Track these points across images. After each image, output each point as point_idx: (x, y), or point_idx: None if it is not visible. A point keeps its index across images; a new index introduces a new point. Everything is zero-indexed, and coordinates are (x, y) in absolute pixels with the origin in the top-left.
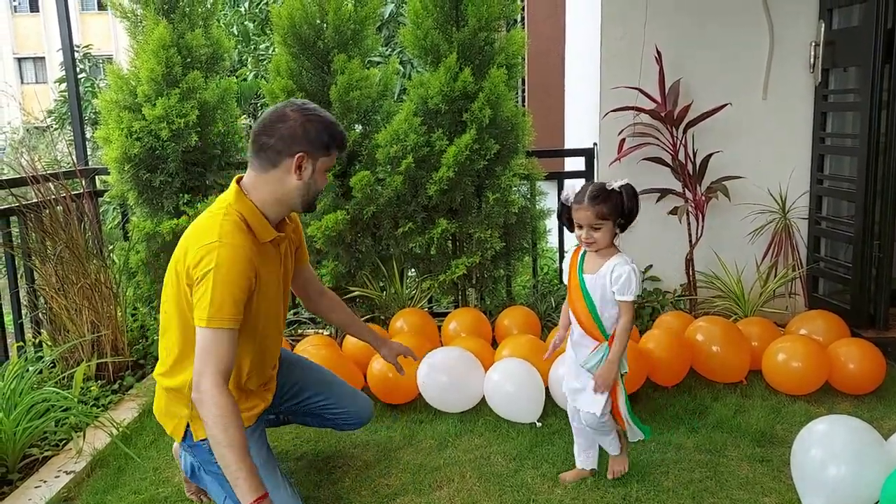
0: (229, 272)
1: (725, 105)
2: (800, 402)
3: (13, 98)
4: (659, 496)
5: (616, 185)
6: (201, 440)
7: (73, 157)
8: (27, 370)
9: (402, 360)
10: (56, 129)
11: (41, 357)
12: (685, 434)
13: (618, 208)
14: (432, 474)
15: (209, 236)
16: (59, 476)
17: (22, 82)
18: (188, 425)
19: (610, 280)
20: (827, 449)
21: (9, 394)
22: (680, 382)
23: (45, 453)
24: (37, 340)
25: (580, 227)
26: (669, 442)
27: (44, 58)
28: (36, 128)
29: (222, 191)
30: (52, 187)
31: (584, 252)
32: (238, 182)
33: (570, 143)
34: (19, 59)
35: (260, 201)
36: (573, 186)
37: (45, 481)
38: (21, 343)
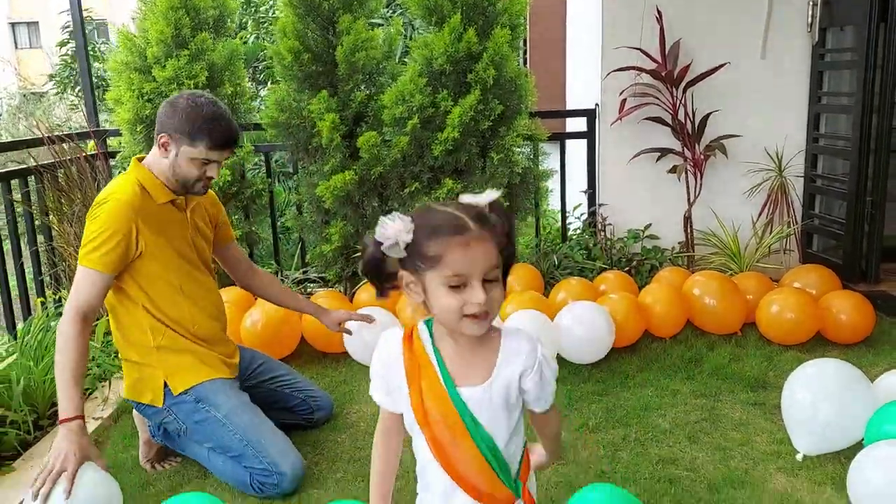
0: (106, 222)
1: (724, 64)
2: (792, 351)
3: (8, 63)
4: (657, 436)
5: (484, 198)
6: (182, 392)
7: (84, 119)
8: (51, 324)
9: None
10: (58, 94)
11: (61, 312)
12: (682, 381)
13: (506, 241)
14: None
15: (102, 194)
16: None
17: (16, 47)
18: (165, 384)
19: (519, 385)
20: (815, 390)
21: (36, 345)
22: (677, 334)
23: None
24: (57, 296)
25: (457, 286)
26: (667, 388)
27: (37, 22)
28: (33, 93)
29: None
30: (66, 148)
31: (432, 340)
32: (136, 159)
33: (571, 104)
34: (13, 24)
35: (156, 170)
36: (387, 219)
37: None
38: (42, 299)
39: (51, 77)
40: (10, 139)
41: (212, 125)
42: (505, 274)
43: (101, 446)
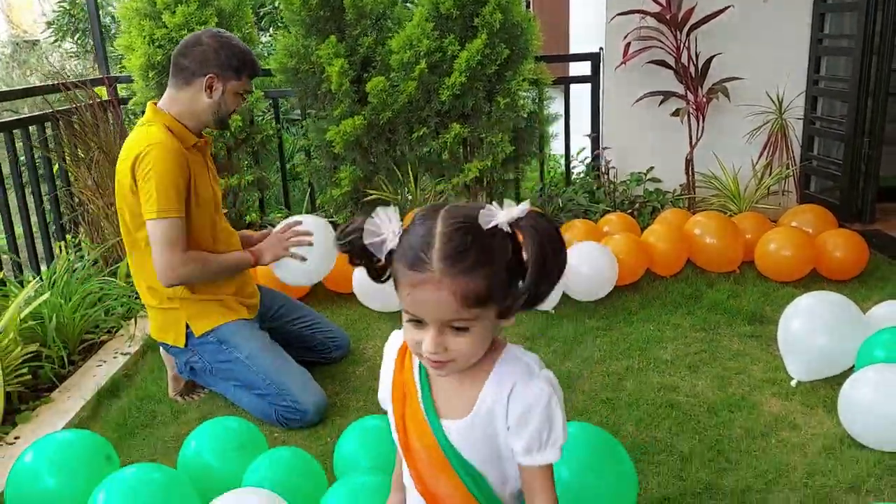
0: (166, 168)
1: (728, 7)
2: (788, 288)
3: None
4: (659, 367)
5: (502, 216)
6: (204, 334)
7: (83, 66)
8: (75, 266)
9: None
10: (56, 41)
11: (82, 256)
12: (682, 316)
13: (507, 276)
14: None
15: (140, 145)
16: (116, 357)
17: None
18: (187, 326)
19: (506, 420)
20: (810, 320)
21: (63, 285)
22: (678, 272)
23: (102, 338)
24: (77, 240)
25: (417, 321)
26: (668, 322)
27: None
28: (25, 41)
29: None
30: (78, 94)
31: (420, 363)
32: (154, 105)
33: (575, 49)
34: None
35: (177, 114)
36: (382, 215)
37: (104, 361)
38: (63, 243)
39: (49, 24)
40: (4, 88)
41: (245, 55)
42: (513, 312)
43: (130, 379)
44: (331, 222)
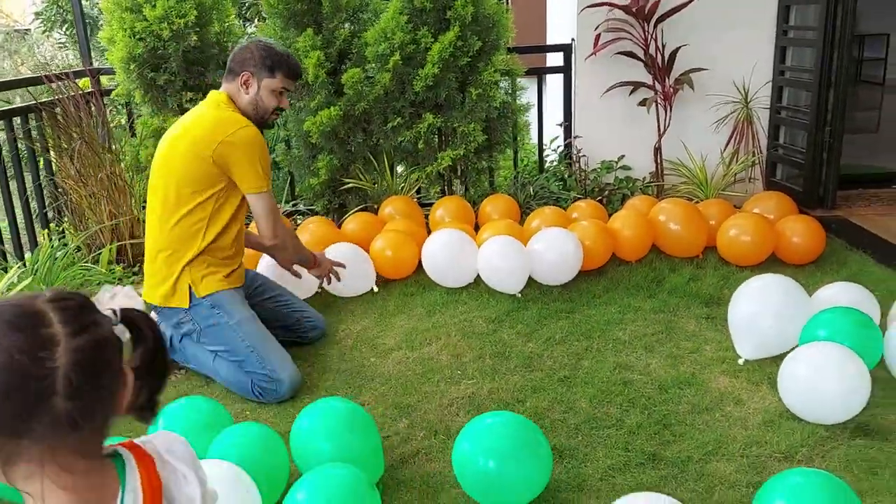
0: (261, 147)
1: (692, 0)
2: (747, 272)
3: None
4: (616, 347)
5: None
6: (203, 297)
7: (71, 57)
8: (57, 254)
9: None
10: (44, 32)
11: (66, 243)
12: (643, 299)
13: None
14: (423, 334)
15: (234, 123)
16: None
17: None
18: (190, 288)
19: None
20: (757, 301)
21: (45, 272)
22: (643, 257)
23: None
24: (60, 228)
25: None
26: (630, 305)
27: None
28: (16, 31)
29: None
30: (61, 87)
31: None
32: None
33: (552, 40)
34: None
35: (244, 109)
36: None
37: None
38: (46, 231)
39: (38, 15)
40: None
41: (286, 58)
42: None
43: None
44: (309, 209)
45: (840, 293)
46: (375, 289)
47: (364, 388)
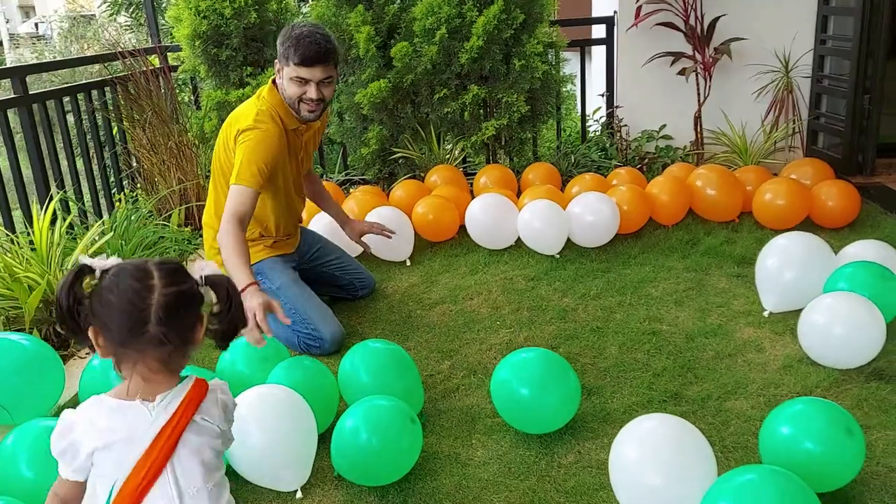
0: (256, 148)
1: None
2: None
3: None
4: (648, 301)
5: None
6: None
7: (135, 40)
8: (132, 216)
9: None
10: (111, 15)
11: (137, 208)
12: (677, 259)
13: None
14: (465, 290)
15: (248, 119)
16: None
17: None
18: None
19: None
20: (783, 257)
21: (123, 230)
22: (679, 222)
23: None
24: (134, 194)
25: None
26: (663, 265)
27: None
28: (83, 16)
29: None
30: (132, 63)
31: None
32: (273, 80)
33: (596, 12)
34: None
35: (285, 98)
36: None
37: None
38: (121, 195)
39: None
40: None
41: (297, 42)
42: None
43: None
44: (360, 179)
45: (864, 250)
46: (409, 262)
47: (410, 336)
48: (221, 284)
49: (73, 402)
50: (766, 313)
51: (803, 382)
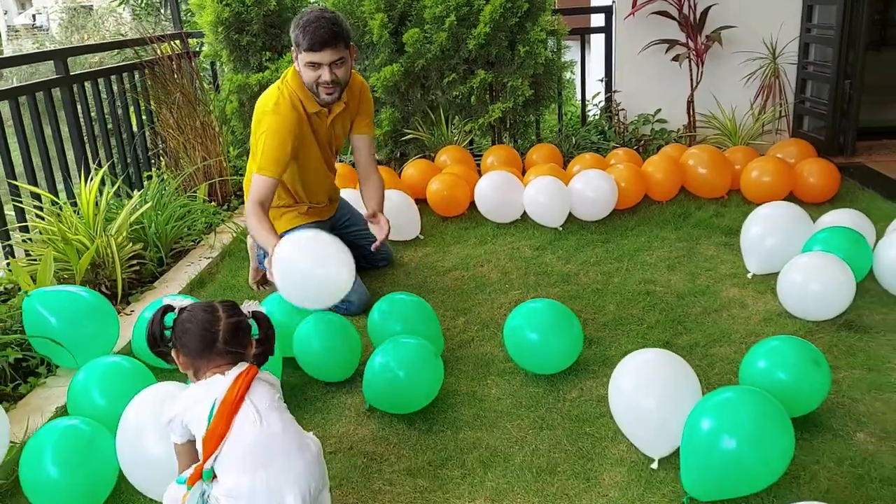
0: (274, 136)
1: None
2: None
3: None
4: (643, 266)
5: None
6: (282, 234)
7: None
8: (163, 190)
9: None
10: (120, 4)
11: (165, 184)
12: (670, 231)
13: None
14: (476, 259)
15: (269, 104)
16: (201, 261)
17: None
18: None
19: None
20: (765, 223)
21: (156, 203)
22: (673, 198)
23: (187, 246)
24: (162, 173)
25: None
26: (657, 235)
27: None
28: (83, 6)
29: None
30: (157, 48)
31: None
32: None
33: (595, 2)
34: None
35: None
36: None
37: (192, 263)
38: (154, 170)
39: None
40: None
41: (305, 29)
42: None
43: (213, 276)
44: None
45: (840, 217)
46: (421, 237)
47: (427, 297)
48: (263, 319)
49: (128, 350)
50: (749, 275)
51: (781, 331)
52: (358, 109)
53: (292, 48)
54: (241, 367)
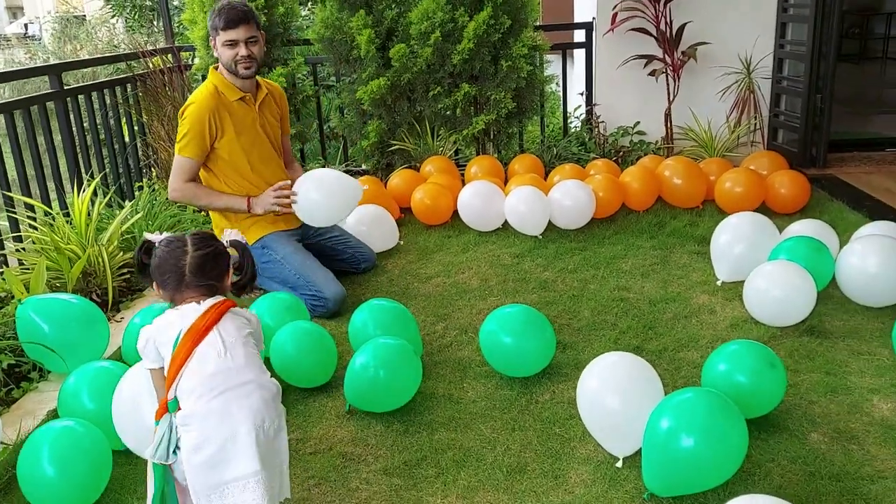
0: (191, 122)
1: None
2: None
3: None
4: (618, 274)
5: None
6: (255, 241)
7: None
8: (155, 199)
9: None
10: (114, 16)
11: (156, 195)
12: (646, 239)
13: None
14: (457, 266)
15: (188, 101)
16: None
17: None
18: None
19: None
20: (733, 233)
21: (147, 213)
22: (650, 207)
23: None
24: (153, 184)
25: None
26: (633, 244)
27: None
28: (75, 17)
29: (285, 64)
30: (148, 62)
31: None
32: (216, 67)
33: (578, 18)
34: None
35: (223, 73)
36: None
37: None
38: (142, 183)
39: (107, 0)
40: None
41: (220, 12)
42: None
43: None
44: (360, 170)
45: (805, 227)
46: (401, 242)
47: (408, 303)
48: (239, 245)
49: (118, 355)
50: (719, 283)
51: (746, 336)
52: (282, 108)
53: (210, 39)
54: (217, 299)
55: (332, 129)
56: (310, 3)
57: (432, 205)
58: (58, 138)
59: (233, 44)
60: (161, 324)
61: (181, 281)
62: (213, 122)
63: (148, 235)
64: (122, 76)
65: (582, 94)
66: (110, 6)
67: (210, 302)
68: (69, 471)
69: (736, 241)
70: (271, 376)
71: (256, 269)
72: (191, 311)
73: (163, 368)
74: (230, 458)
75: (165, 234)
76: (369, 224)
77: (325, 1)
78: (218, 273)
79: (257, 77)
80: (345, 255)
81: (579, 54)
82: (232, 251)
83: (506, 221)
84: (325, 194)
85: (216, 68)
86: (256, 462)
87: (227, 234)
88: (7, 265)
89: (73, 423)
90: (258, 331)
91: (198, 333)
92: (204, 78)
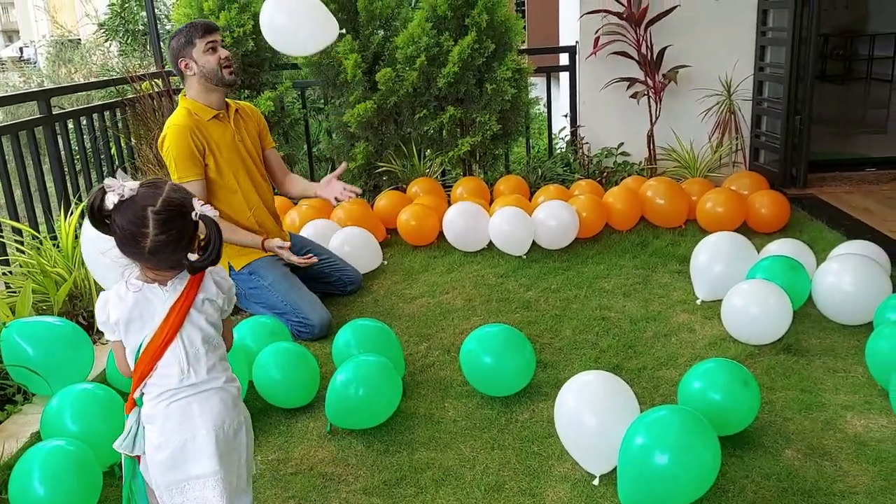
0: (176, 145)
1: (675, 7)
2: None
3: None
4: (600, 293)
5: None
6: (242, 268)
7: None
8: None
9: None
10: (107, 40)
11: None
12: (629, 259)
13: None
14: (442, 286)
15: (164, 130)
16: None
17: None
18: (229, 263)
19: None
20: (712, 252)
21: None
22: (632, 227)
23: None
24: None
25: None
26: (616, 263)
27: None
28: (70, 41)
29: (273, 88)
30: (138, 87)
31: None
32: (184, 94)
33: (563, 42)
34: None
35: (193, 97)
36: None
37: None
38: None
39: (100, 25)
40: (52, 85)
41: (191, 26)
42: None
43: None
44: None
45: (782, 247)
46: (385, 262)
47: (392, 324)
48: (210, 222)
49: (102, 378)
50: (698, 301)
51: (724, 355)
52: (259, 123)
53: (182, 59)
54: (181, 283)
55: (321, 152)
56: None
57: (418, 226)
58: (46, 164)
59: (214, 48)
60: (121, 302)
61: (140, 257)
62: (196, 140)
63: (109, 181)
64: (111, 100)
65: (566, 115)
66: (104, 31)
67: (174, 296)
68: (60, 490)
69: (714, 260)
70: (245, 386)
71: (219, 242)
72: (155, 305)
73: (121, 341)
74: (189, 459)
75: (129, 185)
76: (353, 247)
77: None
78: (184, 250)
79: (226, 99)
80: (332, 277)
81: (564, 77)
82: (201, 230)
83: (491, 242)
84: (295, 19)
85: (185, 95)
86: (216, 462)
87: (201, 206)
88: None
89: (63, 443)
90: (230, 293)
91: (160, 347)
92: None
